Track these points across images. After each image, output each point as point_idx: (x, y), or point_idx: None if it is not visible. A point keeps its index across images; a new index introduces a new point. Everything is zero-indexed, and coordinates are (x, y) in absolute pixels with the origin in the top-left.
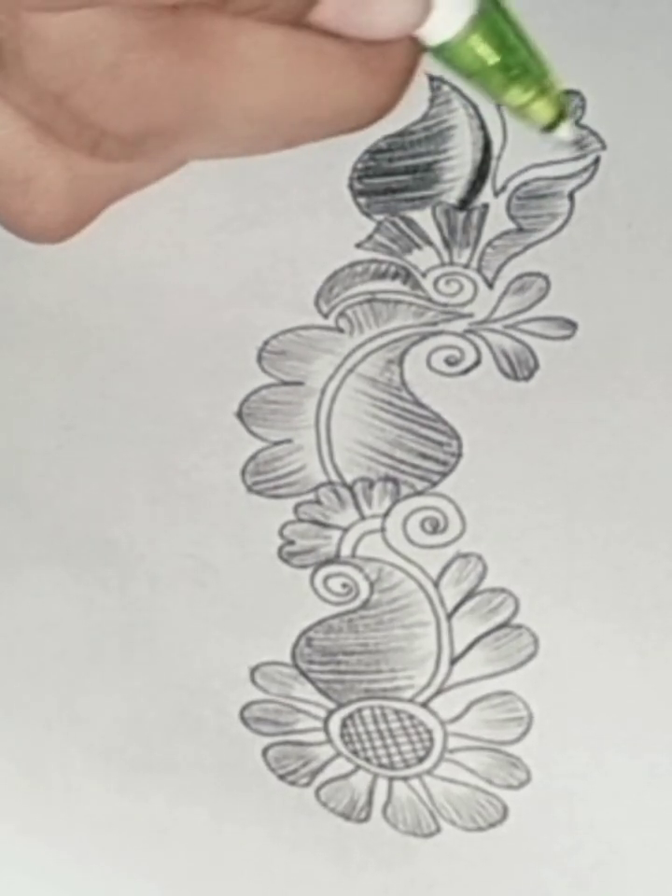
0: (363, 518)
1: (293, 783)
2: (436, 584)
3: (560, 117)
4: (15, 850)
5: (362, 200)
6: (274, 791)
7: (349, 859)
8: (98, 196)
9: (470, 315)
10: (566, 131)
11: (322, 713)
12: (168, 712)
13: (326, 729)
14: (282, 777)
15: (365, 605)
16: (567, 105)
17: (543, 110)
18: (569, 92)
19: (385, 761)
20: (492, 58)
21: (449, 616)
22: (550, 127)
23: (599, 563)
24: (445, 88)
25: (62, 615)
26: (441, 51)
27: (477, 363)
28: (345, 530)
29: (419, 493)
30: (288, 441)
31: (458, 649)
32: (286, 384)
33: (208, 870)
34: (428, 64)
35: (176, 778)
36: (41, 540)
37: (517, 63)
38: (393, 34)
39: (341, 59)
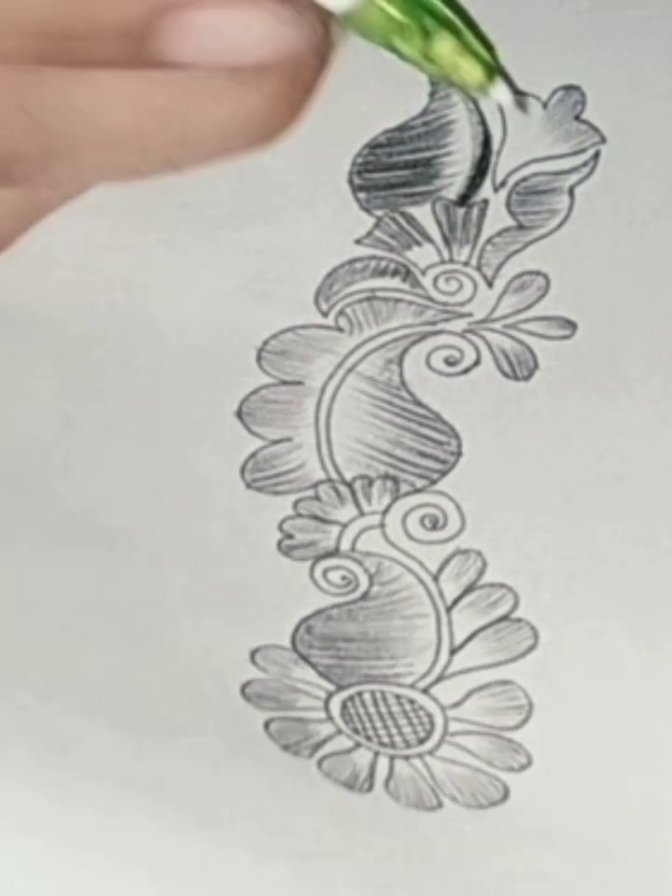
0: (362, 514)
1: (296, 754)
2: (435, 578)
3: (491, 76)
4: (21, 810)
5: (362, 195)
6: (277, 757)
7: (352, 826)
8: (8, 227)
9: (470, 315)
10: (499, 91)
11: (322, 694)
12: (169, 682)
13: (326, 708)
14: (284, 748)
15: (364, 596)
16: (495, 63)
17: (470, 69)
18: (569, 87)
19: (385, 740)
20: (399, 13)
21: (448, 609)
22: (482, 88)
23: (598, 560)
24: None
25: (62, 591)
26: (351, 21)
27: (476, 363)
28: (345, 526)
29: (419, 490)
30: (288, 439)
31: (458, 640)
32: (285, 383)
33: (210, 835)
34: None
35: (180, 743)
36: (42, 523)
37: (433, 19)
38: (262, 60)
39: (198, 76)
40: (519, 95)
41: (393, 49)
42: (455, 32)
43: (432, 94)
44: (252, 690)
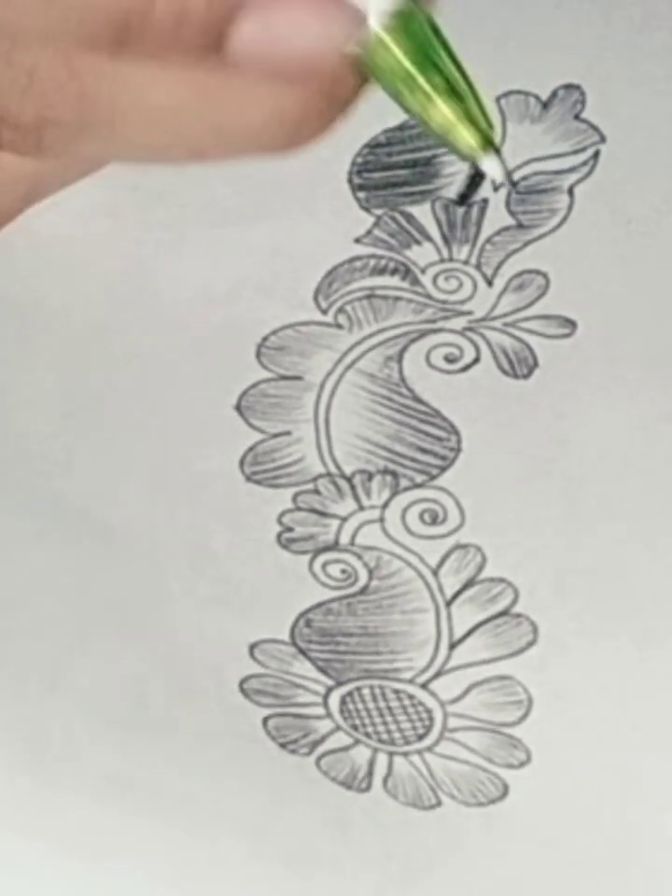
0: (362, 508)
1: (294, 751)
2: (435, 573)
3: (486, 148)
4: (16, 812)
5: (361, 194)
6: (275, 756)
7: (349, 826)
8: (8, 202)
9: (470, 313)
10: (491, 166)
11: (321, 689)
12: (167, 680)
13: (325, 704)
14: (283, 746)
15: (364, 590)
16: (493, 138)
17: (467, 138)
18: (569, 87)
19: (384, 737)
20: (409, 64)
21: (448, 603)
22: (474, 157)
23: (597, 556)
24: None
25: (59, 587)
26: (363, 58)
27: (476, 360)
28: (344, 519)
29: (418, 486)
30: (287, 433)
31: (458, 634)
32: (285, 378)
33: (208, 833)
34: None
35: (176, 742)
36: (40, 519)
37: (442, 79)
38: (318, 58)
39: (247, 72)
40: (508, 173)
41: (396, 97)
42: (459, 96)
43: None
44: (251, 686)
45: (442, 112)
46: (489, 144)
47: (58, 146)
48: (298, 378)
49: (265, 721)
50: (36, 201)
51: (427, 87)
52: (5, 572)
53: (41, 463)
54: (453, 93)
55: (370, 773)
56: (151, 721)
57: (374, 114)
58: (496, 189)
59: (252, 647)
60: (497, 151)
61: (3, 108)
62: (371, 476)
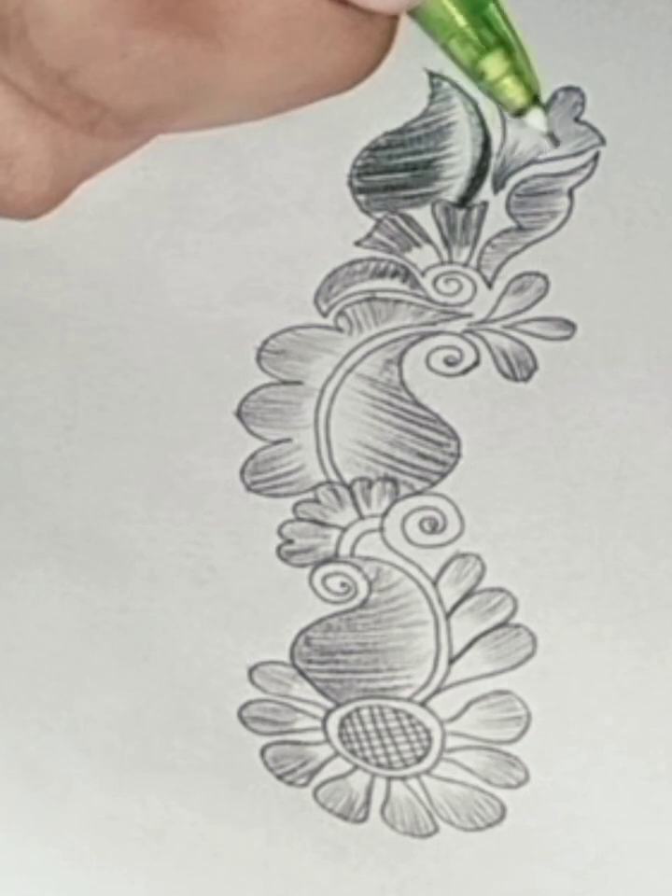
0: (362, 517)
1: (291, 783)
2: (434, 583)
3: (532, 102)
4: (12, 850)
5: (361, 197)
6: (272, 790)
7: (347, 859)
8: (77, 173)
9: (469, 315)
10: (536, 118)
11: (320, 712)
12: (166, 711)
13: (324, 728)
14: (280, 777)
15: (364, 604)
16: (539, 93)
17: (514, 91)
18: (569, 89)
19: (383, 760)
20: (462, 19)
21: (447, 615)
22: (521, 112)
23: (598, 563)
24: (445, 84)
25: (59, 614)
26: (415, 12)
27: (476, 363)
28: (344, 529)
29: (418, 493)
30: (288, 440)
31: (457, 648)
32: (285, 383)
33: (205, 871)
34: (427, 60)
35: (174, 778)
36: (39, 539)
37: (492, 34)
38: (400, 8)
39: (333, 24)
40: (551, 133)
41: (448, 52)
42: (509, 51)
43: (432, 96)
44: (249, 713)
45: (492, 65)
46: (535, 99)
47: (153, 128)
48: (298, 383)
49: (263, 750)
50: (95, 174)
51: (477, 41)
52: (2, 587)
53: (40, 469)
54: (502, 48)
55: (367, 802)
56: (148, 757)
57: (374, 117)
58: (496, 190)
59: (251, 670)
60: (543, 106)
61: (112, 100)
62: (370, 484)
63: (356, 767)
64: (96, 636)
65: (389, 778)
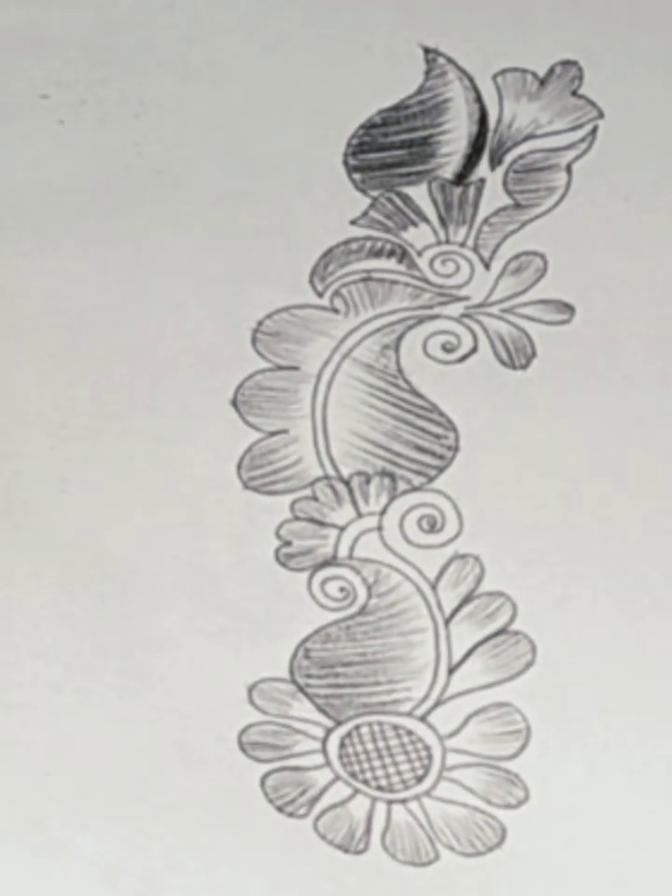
0: (360, 515)
1: (291, 814)
2: (433, 587)
3: None
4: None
5: (357, 175)
6: (272, 825)
7: (348, 892)
8: None
9: (467, 298)
10: None
11: (320, 732)
12: (165, 742)
13: (324, 750)
14: (280, 808)
15: (363, 610)
16: None
17: None
18: (566, 63)
19: (383, 783)
20: None
21: (447, 621)
22: None
23: (597, 564)
24: (441, 60)
25: (57, 639)
26: None
27: (474, 350)
28: (342, 529)
29: (416, 489)
30: (284, 431)
31: (456, 656)
32: (281, 368)
33: None
34: (423, 35)
35: (174, 820)
36: (35, 556)
37: None
38: None
39: None
40: None
41: None
42: None
43: (428, 72)
44: (249, 738)
45: None
46: None
47: None
48: (294, 368)
49: (263, 779)
50: None
51: None
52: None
53: (35, 476)
54: None
55: (368, 830)
56: (149, 799)
57: (369, 94)
58: (493, 167)
59: (251, 689)
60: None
61: None
62: (368, 479)
63: (356, 792)
64: (94, 661)
65: (390, 802)
